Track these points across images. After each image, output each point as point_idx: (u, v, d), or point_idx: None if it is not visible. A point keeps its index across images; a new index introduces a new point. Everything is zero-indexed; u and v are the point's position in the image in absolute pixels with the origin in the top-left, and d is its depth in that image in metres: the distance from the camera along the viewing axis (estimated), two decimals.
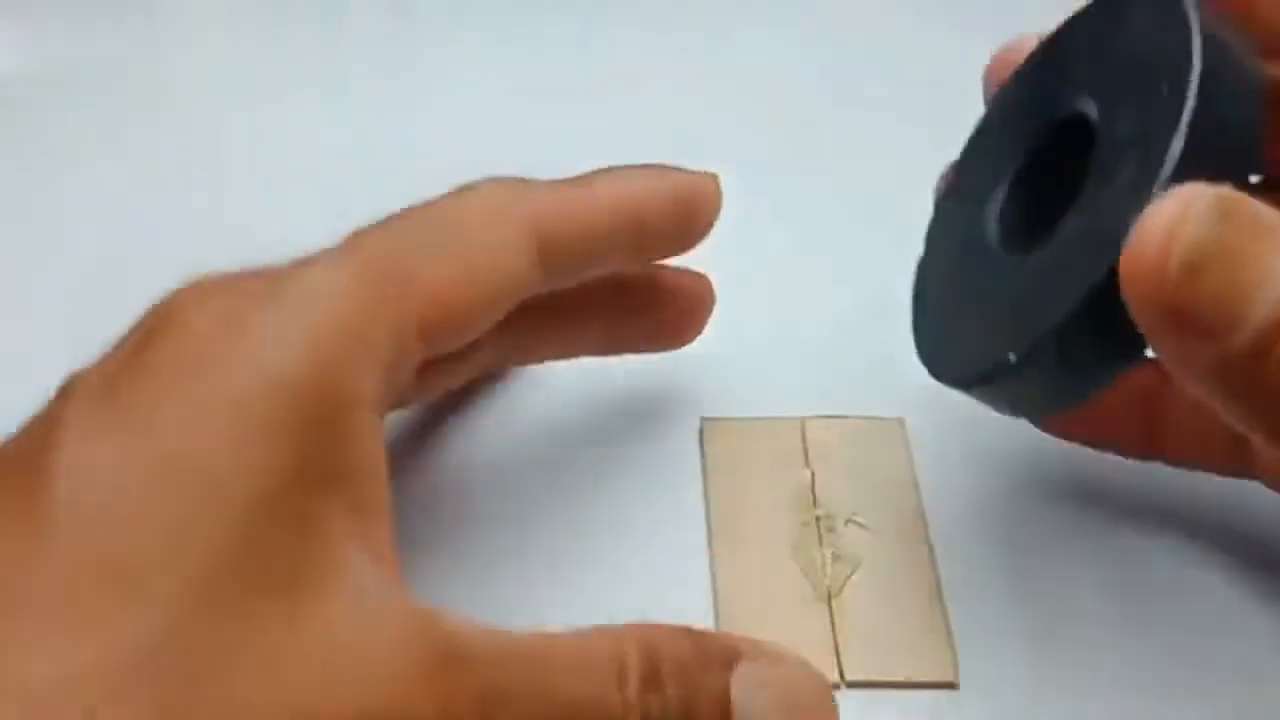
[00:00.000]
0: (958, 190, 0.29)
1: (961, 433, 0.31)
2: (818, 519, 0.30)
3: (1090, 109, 0.25)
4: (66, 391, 0.20)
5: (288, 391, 0.19)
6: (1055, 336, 0.22)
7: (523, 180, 0.25)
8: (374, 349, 0.21)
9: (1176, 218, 0.19)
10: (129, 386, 0.19)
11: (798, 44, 0.44)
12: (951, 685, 0.27)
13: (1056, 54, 0.28)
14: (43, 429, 0.19)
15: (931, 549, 0.29)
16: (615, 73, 0.41)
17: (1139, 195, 0.21)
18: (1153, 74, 0.23)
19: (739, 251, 0.31)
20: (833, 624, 0.28)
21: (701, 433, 0.32)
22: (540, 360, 0.31)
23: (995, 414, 0.27)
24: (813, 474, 0.31)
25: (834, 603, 0.28)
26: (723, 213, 0.28)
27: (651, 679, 0.21)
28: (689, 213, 0.27)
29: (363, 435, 0.21)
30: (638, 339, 0.31)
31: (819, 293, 0.36)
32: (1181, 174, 0.20)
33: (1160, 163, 0.21)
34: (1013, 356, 0.23)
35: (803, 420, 0.32)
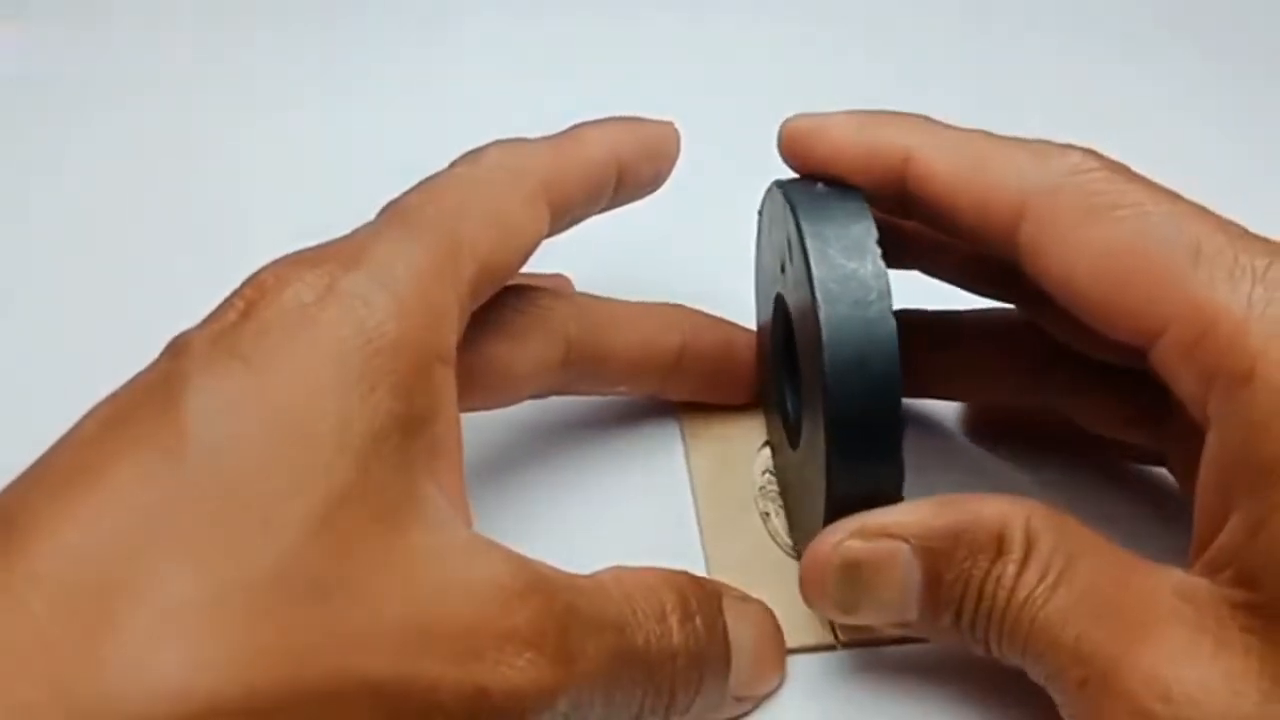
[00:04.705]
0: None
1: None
2: None
3: (785, 299, 0.28)
4: (178, 350, 0.21)
5: (383, 346, 0.21)
6: None
7: (523, 140, 0.27)
8: (446, 310, 0.23)
9: (820, 579, 0.25)
10: (244, 344, 0.21)
11: (799, 36, 0.46)
12: None
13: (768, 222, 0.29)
14: (163, 380, 0.21)
15: None
16: (615, 70, 0.43)
17: (818, 458, 0.25)
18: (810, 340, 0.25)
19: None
20: None
21: (681, 422, 0.33)
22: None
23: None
24: None
25: None
26: (711, 209, 0.30)
27: (685, 612, 0.25)
28: (659, 160, 0.30)
29: (442, 387, 0.23)
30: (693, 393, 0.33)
31: None
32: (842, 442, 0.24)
33: (821, 448, 0.25)
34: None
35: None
